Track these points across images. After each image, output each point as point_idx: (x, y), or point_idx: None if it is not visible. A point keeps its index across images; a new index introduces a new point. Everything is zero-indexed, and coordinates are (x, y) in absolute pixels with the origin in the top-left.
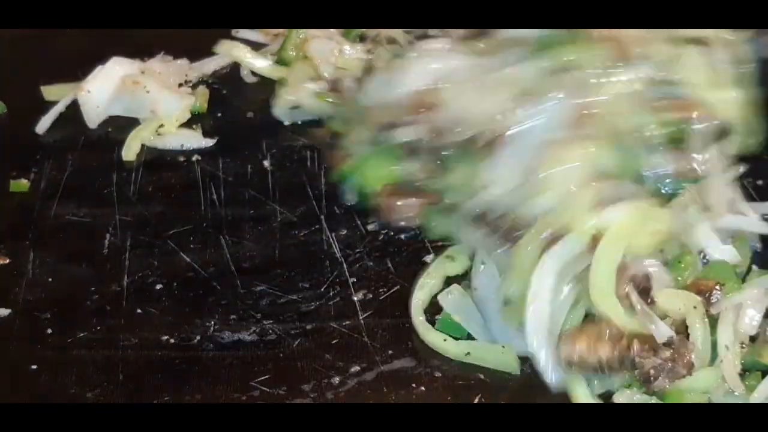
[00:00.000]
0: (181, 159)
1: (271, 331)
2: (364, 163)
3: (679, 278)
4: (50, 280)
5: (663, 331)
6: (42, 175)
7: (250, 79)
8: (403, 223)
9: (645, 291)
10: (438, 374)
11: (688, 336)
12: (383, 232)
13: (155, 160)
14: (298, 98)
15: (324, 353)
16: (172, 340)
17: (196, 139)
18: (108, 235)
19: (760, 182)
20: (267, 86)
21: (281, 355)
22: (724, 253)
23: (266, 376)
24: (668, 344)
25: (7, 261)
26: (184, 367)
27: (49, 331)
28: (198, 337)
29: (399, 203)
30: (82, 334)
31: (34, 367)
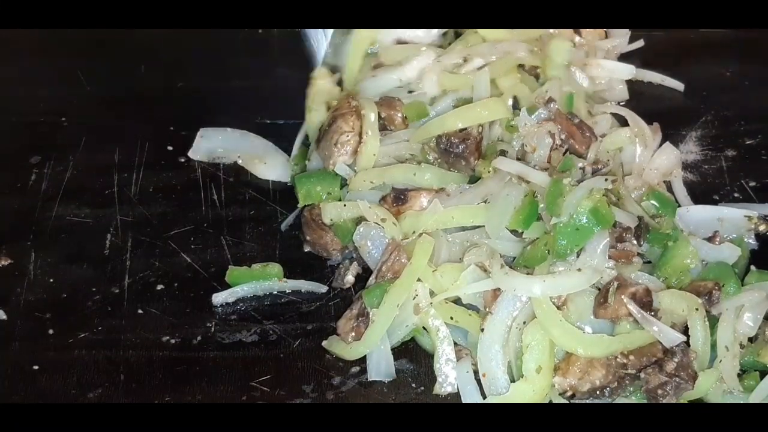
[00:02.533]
0: (182, 160)
1: (271, 332)
2: (308, 176)
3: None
4: (51, 280)
5: (673, 337)
6: (43, 176)
7: None
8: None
9: (648, 305)
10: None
11: (687, 342)
12: None
13: (156, 160)
14: None
15: (324, 353)
16: (173, 341)
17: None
18: (109, 236)
19: (754, 183)
20: None
21: (282, 355)
22: (721, 252)
23: (266, 377)
24: (671, 353)
25: (9, 262)
26: (185, 367)
27: (51, 331)
28: (199, 338)
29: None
30: (83, 335)
31: (35, 367)
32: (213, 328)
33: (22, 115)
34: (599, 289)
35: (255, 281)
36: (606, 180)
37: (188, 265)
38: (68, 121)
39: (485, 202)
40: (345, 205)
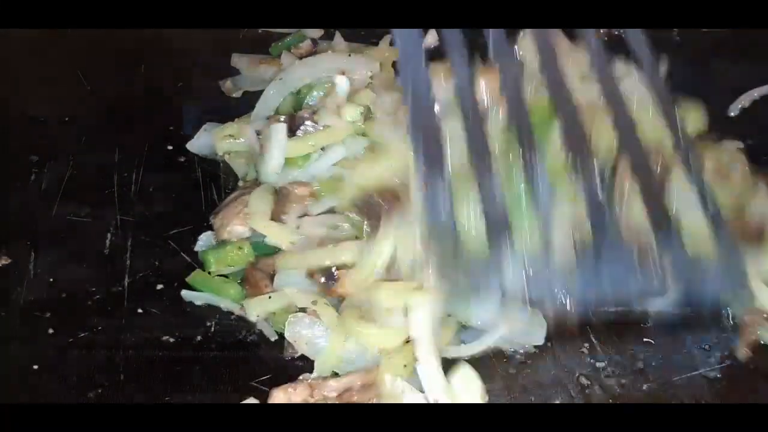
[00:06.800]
0: (182, 160)
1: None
2: (212, 248)
3: None
4: (51, 280)
5: None
6: (43, 176)
7: None
8: None
9: None
10: None
11: None
12: None
13: (156, 160)
14: None
15: None
16: (173, 340)
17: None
18: (109, 235)
19: None
20: None
21: (281, 355)
22: None
23: (266, 376)
24: None
25: (9, 261)
26: (185, 367)
27: (51, 331)
28: (199, 338)
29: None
30: (83, 334)
31: (35, 366)
32: (213, 328)
33: (23, 115)
34: None
35: (216, 295)
36: None
37: (188, 265)
38: (68, 121)
39: None
40: (270, 297)
